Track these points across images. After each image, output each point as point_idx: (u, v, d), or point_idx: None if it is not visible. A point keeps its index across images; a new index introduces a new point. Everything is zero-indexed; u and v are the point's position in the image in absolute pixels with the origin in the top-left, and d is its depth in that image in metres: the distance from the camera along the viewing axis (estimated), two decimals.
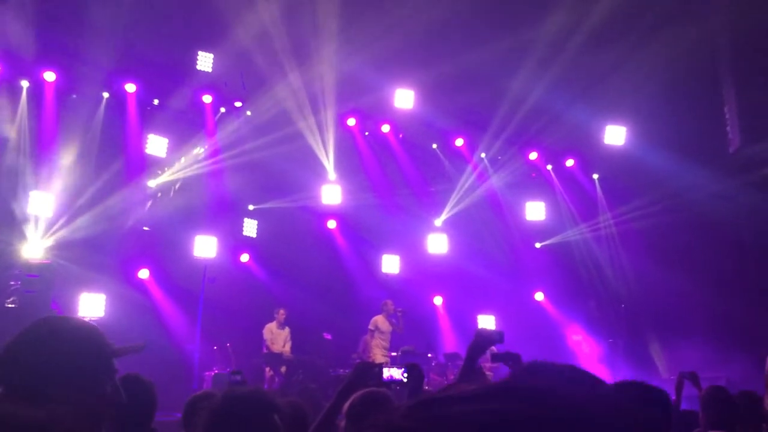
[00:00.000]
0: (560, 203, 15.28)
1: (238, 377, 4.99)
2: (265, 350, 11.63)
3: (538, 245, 15.30)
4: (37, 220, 11.44)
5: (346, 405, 3.25)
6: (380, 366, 3.73)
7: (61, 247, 11.42)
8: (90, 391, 1.66)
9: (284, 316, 11.79)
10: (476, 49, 12.16)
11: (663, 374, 13.11)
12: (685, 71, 12.79)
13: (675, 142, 13.32)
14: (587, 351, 14.04)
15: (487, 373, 7.46)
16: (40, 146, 11.77)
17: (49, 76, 11.80)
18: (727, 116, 13.86)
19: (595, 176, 15.39)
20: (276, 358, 11.50)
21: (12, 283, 10.30)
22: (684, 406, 5.34)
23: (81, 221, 11.63)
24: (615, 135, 14.23)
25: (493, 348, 4.06)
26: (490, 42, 12.08)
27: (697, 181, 13.11)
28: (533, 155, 15.09)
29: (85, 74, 12.00)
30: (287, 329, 11.84)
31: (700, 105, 13.68)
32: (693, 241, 13.57)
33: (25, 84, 11.75)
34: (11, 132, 11.55)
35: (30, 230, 11.38)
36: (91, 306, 10.96)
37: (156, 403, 3.63)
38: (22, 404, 1.52)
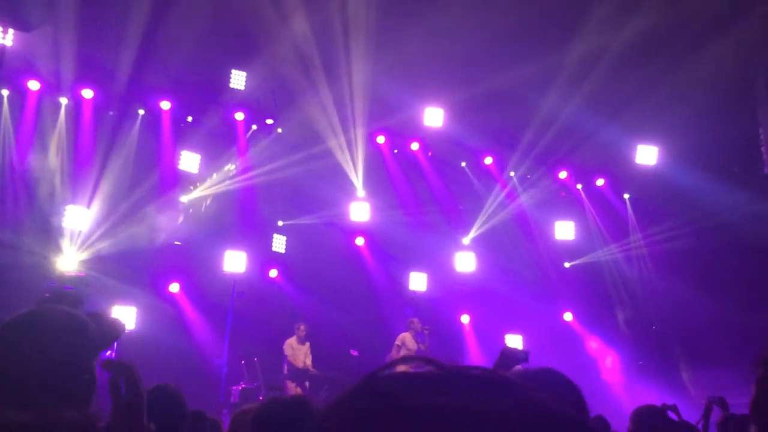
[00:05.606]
0: (590, 223, 15.11)
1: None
2: (286, 365, 11.65)
3: (567, 265, 15.13)
4: (72, 233, 11.71)
5: None
6: None
7: (95, 260, 11.67)
8: (66, 383, 1.66)
9: (305, 332, 11.79)
10: (506, 68, 12.14)
11: (695, 398, 12.82)
12: (719, 91, 12.61)
13: (708, 162, 13.13)
14: (614, 372, 13.81)
15: None
16: (77, 161, 12.08)
17: (87, 94, 12.14)
18: (762, 137, 13.64)
19: (626, 196, 15.21)
20: (301, 374, 11.53)
21: (47, 295, 10.52)
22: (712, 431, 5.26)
23: (114, 235, 11.87)
24: (647, 155, 14.07)
25: (519, 368, 4.03)
26: (521, 61, 12.04)
27: (731, 202, 12.89)
28: (563, 174, 15.00)
29: (122, 92, 12.31)
30: (307, 344, 11.83)
31: (734, 125, 13.47)
32: (726, 262, 13.29)
33: (63, 101, 12.10)
34: (50, 147, 11.88)
35: (65, 243, 11.64)
36: (123, 318, 11.11)
37: (186, 408, 3.70)
38: (10, 406, 1.53)
